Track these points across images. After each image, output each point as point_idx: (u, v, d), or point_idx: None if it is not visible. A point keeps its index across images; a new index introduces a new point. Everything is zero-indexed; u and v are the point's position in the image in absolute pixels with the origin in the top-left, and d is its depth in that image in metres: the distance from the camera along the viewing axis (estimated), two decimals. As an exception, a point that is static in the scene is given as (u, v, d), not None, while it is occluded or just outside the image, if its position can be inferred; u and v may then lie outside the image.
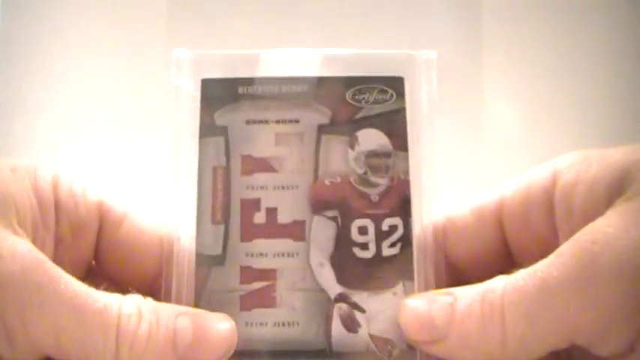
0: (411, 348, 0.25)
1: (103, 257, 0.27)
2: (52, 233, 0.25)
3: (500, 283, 0.22)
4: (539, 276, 0.21)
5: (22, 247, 0.22)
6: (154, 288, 0.26)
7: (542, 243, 0.25)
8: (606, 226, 0.21)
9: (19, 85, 0.67)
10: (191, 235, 0.26)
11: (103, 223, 0.26)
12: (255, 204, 0.26)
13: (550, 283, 0.21)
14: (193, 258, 0.26)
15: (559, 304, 0.20)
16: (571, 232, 0.22)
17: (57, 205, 0.25)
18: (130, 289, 0.25)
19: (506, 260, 0.26)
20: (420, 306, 0.23)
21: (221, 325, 0.24)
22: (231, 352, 0.23)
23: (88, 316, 0.21)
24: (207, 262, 0.26)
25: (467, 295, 0.22)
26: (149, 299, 0.23)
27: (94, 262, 0.27)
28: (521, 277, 0.22)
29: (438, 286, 0.25)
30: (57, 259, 0.23)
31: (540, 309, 0.21)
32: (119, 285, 0.26)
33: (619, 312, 0.20)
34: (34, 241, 0.23)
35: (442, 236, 0.26)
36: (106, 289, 0.23)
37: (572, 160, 0.25)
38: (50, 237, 0.25)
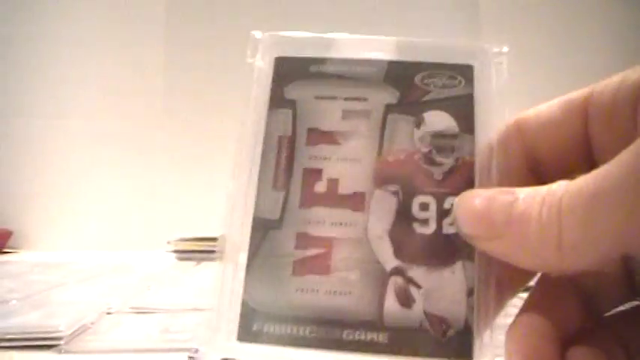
0: (466, 329, 0.23)
1: None
2: None
3: (561, 186, 0.21)
4: (598, 181, 0.20)
5: None
6: None
7: (626, 144, 0.23)
8: None
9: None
10: (251, 199, 0.26)
11: None
12: (317, 173, 0.26)
13: (606, 188, 0.20)
14: (250, 220, 0.25)
15: (612, 210, 0.19)
16: None
17: None
18: None
19: (587, 162, 0.25)
20: (480, 202, 0.23)
21: None
22: None
23: None
24: (264, 225, 0.26)
25: (528, 196, 0.22)
26: None
27: None
28: (582, 180, 0.21)
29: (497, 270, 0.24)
30: None
31: (594, 215, 0.20)
32: None
33: None
34: None
35: None
36: None
37: None
38: None
